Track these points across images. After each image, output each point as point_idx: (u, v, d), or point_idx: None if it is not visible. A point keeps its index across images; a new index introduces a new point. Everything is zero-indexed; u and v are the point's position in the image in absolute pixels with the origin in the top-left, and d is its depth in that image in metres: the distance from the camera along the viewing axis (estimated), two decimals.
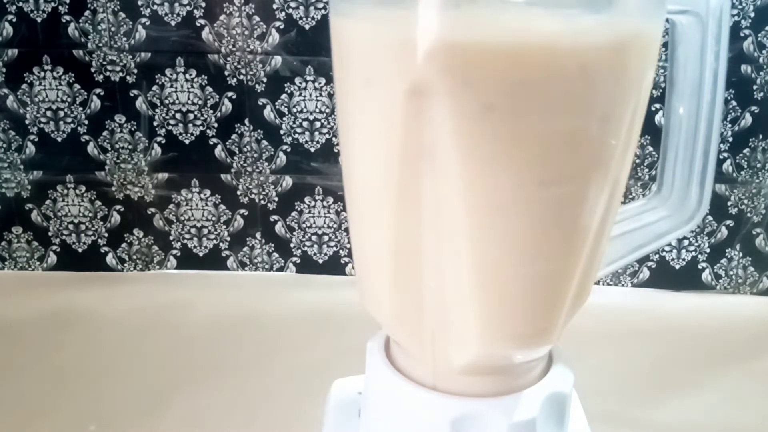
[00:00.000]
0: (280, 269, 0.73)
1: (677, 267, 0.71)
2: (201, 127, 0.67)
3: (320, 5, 0.63)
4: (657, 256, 0.71)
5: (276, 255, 0.72)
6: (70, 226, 0.71)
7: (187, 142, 0.68)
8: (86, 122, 0.67)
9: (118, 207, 0.70)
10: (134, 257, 0.72)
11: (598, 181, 0.23)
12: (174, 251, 0.72)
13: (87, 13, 0.64)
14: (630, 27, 0.21)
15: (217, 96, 0.66)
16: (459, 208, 0.22)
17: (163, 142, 0.68)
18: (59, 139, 0.68)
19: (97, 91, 0.66)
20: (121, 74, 0.66)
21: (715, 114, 0.26)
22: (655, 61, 0.23)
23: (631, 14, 0.22)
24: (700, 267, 0.71)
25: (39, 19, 0.64)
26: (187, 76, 0.66)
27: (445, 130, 0.21)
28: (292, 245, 0.72)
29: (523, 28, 0.20)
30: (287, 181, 0.69)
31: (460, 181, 0.22)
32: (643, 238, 0.29)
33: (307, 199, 0.70)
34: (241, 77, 0.66)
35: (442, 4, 0.20)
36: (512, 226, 0.22)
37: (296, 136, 0.68)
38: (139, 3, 0.63)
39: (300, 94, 0.66)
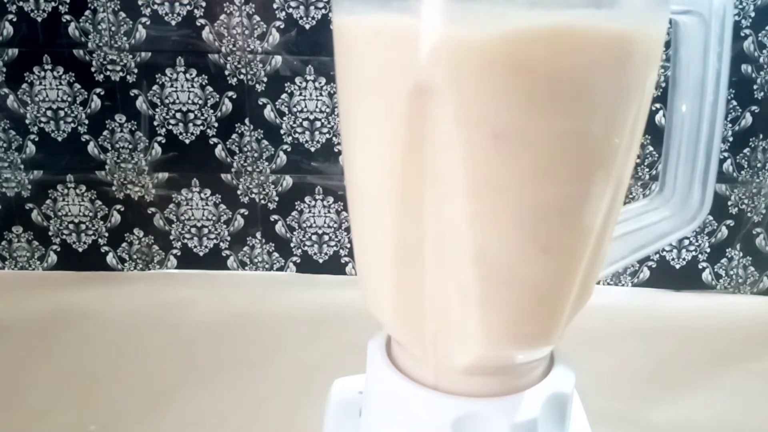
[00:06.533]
0: (281, 269, 0.73)
1: (677, 267, 0.71)
2: (201, 127, 0.67)
3: (320, 5, 0.63)
4: (657, 256, 0.71)
5: (276, 254, 0.72)
6: (71, 226, 0.71)
7: (187, 141, 0.68)
8: (86, 122, 0.67)
9: (118, 206, 0.70)
10: (134, 257, 0.72)
11: (602, 180, 0.23)
12: (174, 251, 0.72)
13: (87, 12, 0.64)
14: (633, 27, 0.21)
15: (218, 95, 0.66)
16: (461, 207, 0.22)
17: (164, 141, 0.68)
18: (59, 139, 0.68)
19: (98, 90, 0.66)
20: (121, 74, 0.66)
21: (717, 114, 0.26)
22: (658, 62, 0.23)
23: (635, 14, 0.22)
24: (700, 267, 0.71)
25: (39, 19, 0.64)
26: (188, 75, 0.66)
27: (447, 129, 0.21)
28: (292, 245, 0.72)
29: (527, 27, 0.20)
30: (287, 181, 0.69)
31: (462, 180, 0.22)
32: (645, 239, 0.29)
33: (307, 199, 0.70)
34: (242, 77, 0.66)
35: (445, 3, 0.20)
36: (515, 226, 0.22)
37: (296, 135, 0.68)
38: (140, 2, 0.63)
39: (300, 94, 0.66)
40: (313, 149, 0.68)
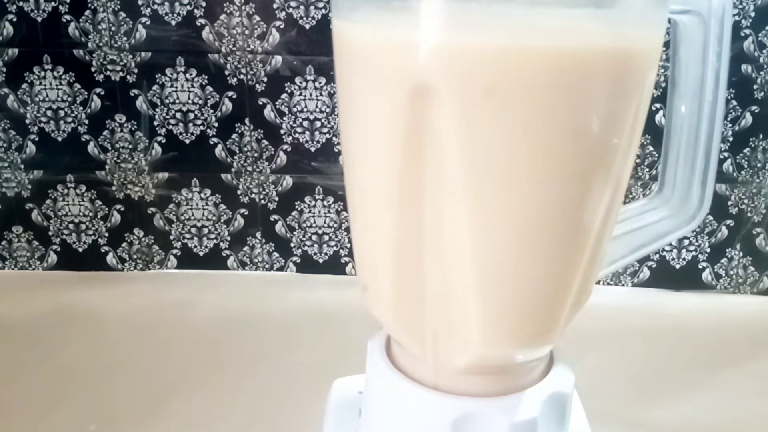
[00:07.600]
0: (281, 269, 0.73)
1: (677, 267, 0.71)
2: (201, 127, 0.67)
3: (320, 5, 0.63)
4: (657, 255, 0.71)
5: (276, 254, 0.72)
6: (71, 226, 0.71)
7: (187, 141, 0.68)
8: (86, 122, 0.67)
9: (118, 206, 0.70)
10: (134, 257, 0.72)
11: (600, 180, 0.23)
12: (174, 251, 0.72)
13: (87, 12, 0.64)
14: (632, 27, 0.21)
15: (218, 95, 0.66)
16: (460, 207, 0.22)
17: (164, 141, 0.68)
18: (59, 139, 0.68)
19: (98, 90, 0.66)
20: (121, 74, 0.66)
21: (716, 114, 0.26)
22: (658, 61, 0.23)
23: (634, 14, 0.22)
24: (700, 267, 0.71)
25: (39, 19, 0.64)
26: (188, 75, 0.66)
27: (447, 130, 0.21)
28: (292, 245, 0.72)
29: (526, 28, 0.20)
30: (287, 181, 0.69)
31: (461, 180, 0.22)
32: (644, 238, 0.29)
33: (307, 199, 0.70)
34: (242, 77, 0.66)
35: (444, 3, 0.20)
36: (514, 226, 0.22)
37: (296, 135, 0.68)
38: (140, 2, 0.63)
39: (300, 94, 0.66)
40: (313, 149, 0.68)
